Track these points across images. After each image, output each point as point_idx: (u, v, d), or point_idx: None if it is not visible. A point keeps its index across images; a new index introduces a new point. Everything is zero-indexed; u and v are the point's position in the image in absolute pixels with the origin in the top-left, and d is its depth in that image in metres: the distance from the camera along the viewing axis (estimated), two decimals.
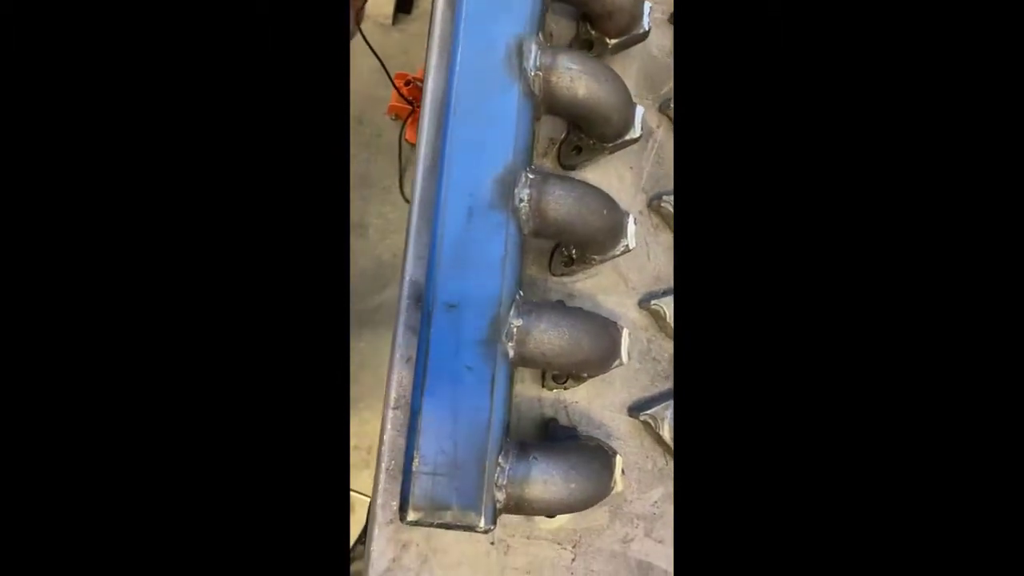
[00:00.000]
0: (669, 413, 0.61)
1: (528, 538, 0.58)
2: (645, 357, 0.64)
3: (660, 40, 0.69)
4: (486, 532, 0.47)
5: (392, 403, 0.55)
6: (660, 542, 0.61)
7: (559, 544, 0.59)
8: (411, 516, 0.46)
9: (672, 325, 0.63)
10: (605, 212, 0.53)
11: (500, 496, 0.47)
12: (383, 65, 1.16)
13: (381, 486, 0.54)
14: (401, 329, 0.56)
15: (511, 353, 0.49)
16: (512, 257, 0.49)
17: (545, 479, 0.48)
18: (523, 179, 0.50)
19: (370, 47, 1.11)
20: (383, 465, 0.54)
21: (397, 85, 1.23)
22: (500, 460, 0.47)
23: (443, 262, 0.49)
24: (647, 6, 0.62)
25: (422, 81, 0.64)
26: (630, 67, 0.67)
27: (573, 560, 0.59)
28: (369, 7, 1.58)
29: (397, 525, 0.54)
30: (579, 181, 0.53)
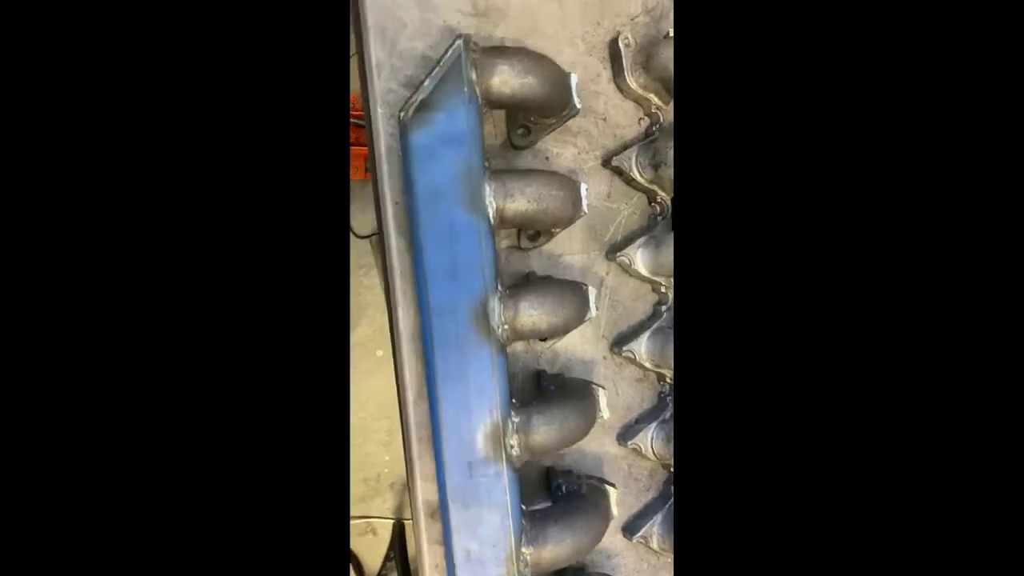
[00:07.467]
0: (657, 528, 0.72)
1: None
2: (628, 479, 0.74)
3: (597, 187, 0.72)
4: None
5: None
6: None
7: None
8: None
9: (651, 453, 0.73)
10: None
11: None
12: None
13: None
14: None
15: None
16: (512, 491, 0.57)
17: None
18: (511, 426, 0.57)
19: None
20: None
21: None
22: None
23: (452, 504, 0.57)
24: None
25: None
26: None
27: None
28: None
29: None
30: (557, 409, 0.60)
